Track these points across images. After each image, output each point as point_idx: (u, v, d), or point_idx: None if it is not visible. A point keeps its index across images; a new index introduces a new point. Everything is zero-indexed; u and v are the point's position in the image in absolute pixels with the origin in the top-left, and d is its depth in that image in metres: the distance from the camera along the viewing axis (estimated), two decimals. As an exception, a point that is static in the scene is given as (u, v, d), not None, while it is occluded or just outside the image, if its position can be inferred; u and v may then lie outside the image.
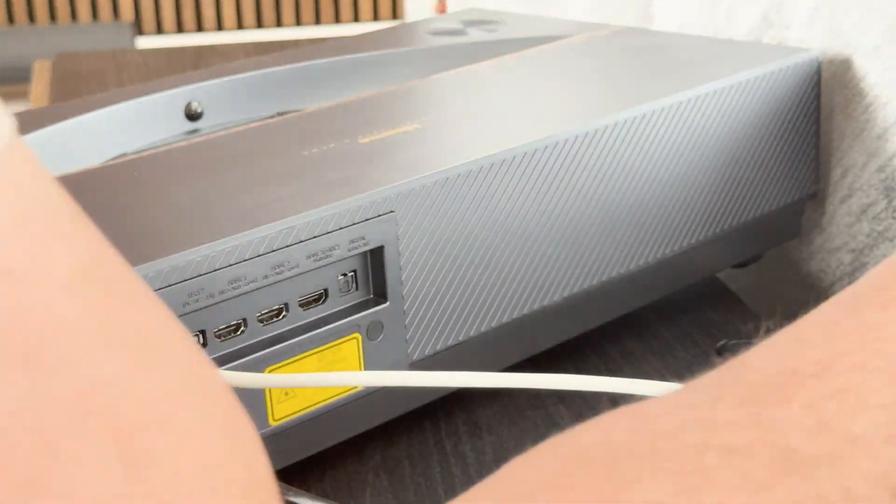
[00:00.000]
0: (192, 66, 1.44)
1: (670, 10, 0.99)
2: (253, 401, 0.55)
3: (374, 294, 0.59)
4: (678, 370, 0.71)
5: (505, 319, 0.64)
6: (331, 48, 0.90)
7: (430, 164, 0.61)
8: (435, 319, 0.61)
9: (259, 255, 0.54)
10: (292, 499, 0.51)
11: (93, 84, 1.41)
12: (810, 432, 0.27)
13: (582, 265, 0.67)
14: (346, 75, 0.87)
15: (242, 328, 0.55)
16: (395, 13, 4.13)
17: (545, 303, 0.66)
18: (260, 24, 4.14)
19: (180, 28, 4.12)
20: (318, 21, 4.18)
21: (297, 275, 0.56)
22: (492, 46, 0.90)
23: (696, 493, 0.26)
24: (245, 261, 0.53)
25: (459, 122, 0.69)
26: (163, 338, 0.24)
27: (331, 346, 0.57)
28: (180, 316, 0.52)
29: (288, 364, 0.56)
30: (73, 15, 4.01)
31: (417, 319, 0.60)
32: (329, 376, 0.56)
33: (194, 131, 0.82)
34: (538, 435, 0.64)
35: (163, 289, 0.51)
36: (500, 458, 0.62)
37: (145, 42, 4.03)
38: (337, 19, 4.19)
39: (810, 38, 0.81)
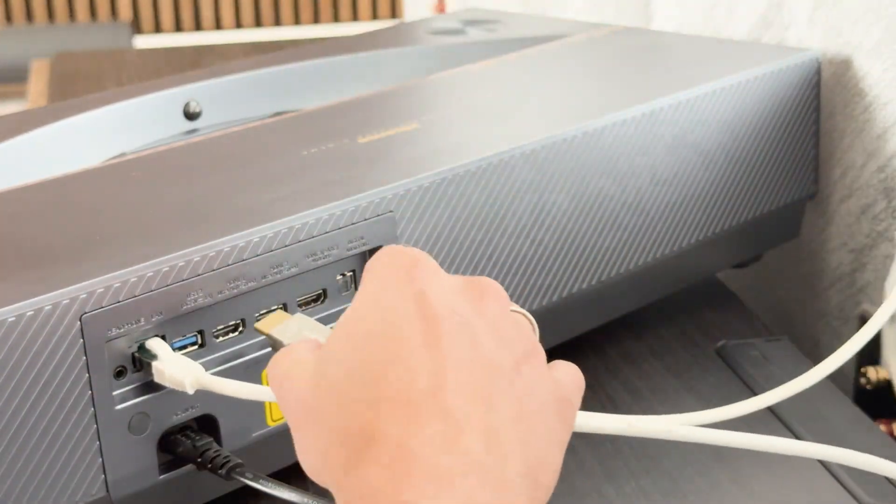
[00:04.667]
0: (190, 66, 1.44)
1: (670, 9, 0.99)
2: (252, 401, 0.55)
3: (374, 294, 0.59)
4: (678, 370, 0.71)
5: (504, 320, 0.64)
6: (330, 48, 0.90)
7: (429, 164, 0.60)
8: (434, 320, 0.61)
9: (258, 255, 0.54)
10: (292, 498, 0.51)
11: (91, 83, 1.40)
12: None
13: (582, 265, 0.67)
14: (346, 75, 0.87)
15: (241, 328, 0.55)
16: (393, 12, 4.12)
17: (545, 303, 0.66)
18: (258, 23, 4.13)
19: (178, 27, 4.11)
20: (316, 20, 4.18)
21: (296, 275, 0.55)
22: (491, 46, 0.89)
23: None
24: (244, 261, 0.53)
25: (459, 122, 0.69)
26: None
27: (330, 347, 0.57)
28: (179, 316, 0.52)
29: (287, 364, 0.56)
30: (71, 14, 4.01)
31: (417, 320, 0.60)
32: (328, 377, 0.55)
33: (193, 131, 0.81)
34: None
35: (161, 288, 0.51)
36: (499, 459, 0.62)
37: (143, 41, 4.02)
38: (336, 19, 4.19)
39: (810, 38, 0.81)
